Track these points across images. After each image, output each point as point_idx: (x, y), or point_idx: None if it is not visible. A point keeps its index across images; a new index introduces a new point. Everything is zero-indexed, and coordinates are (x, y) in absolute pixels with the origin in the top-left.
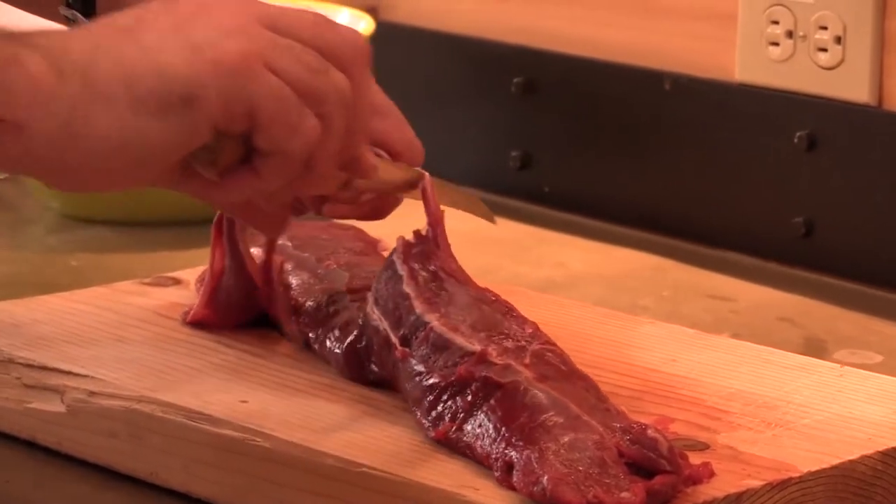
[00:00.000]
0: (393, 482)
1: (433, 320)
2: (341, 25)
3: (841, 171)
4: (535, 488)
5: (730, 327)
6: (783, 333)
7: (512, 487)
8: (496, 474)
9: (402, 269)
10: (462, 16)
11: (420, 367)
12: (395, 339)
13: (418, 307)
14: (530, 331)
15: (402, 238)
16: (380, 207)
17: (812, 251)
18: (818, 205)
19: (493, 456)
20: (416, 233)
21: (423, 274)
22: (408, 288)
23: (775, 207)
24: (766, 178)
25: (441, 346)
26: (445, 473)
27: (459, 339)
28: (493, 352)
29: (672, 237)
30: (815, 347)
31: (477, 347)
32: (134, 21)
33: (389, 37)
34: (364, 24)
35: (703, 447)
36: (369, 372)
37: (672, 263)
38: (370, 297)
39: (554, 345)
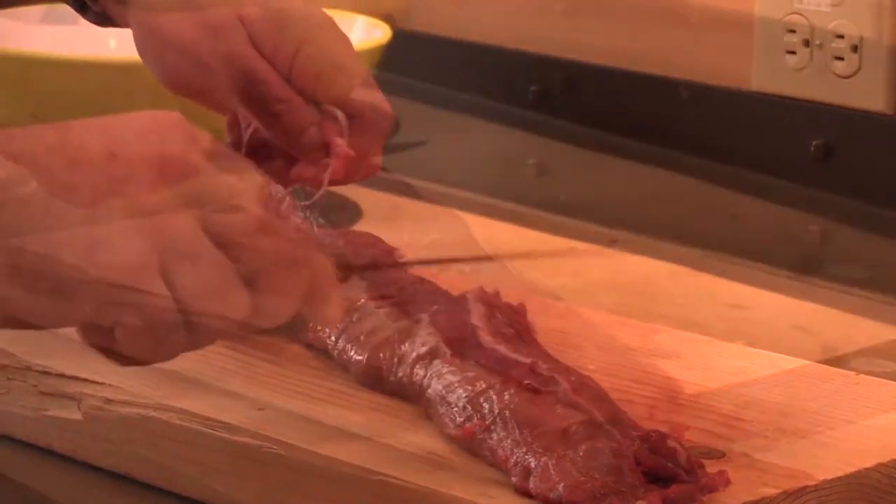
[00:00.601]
0: (409, 490)
1: (492, 344)
2: (291, 231)
3: (857, 180)
4: (552, 495)
5: (744, 335)
6: (798, 342)
7: (528, 493)
8: (513, 479)
9: (472, 306)
10: (478, 24)
11: (461, 373)
12: (446, 350)
13: (482, 337)
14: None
15: (481, 287)
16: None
17: (827, 260)
18: (833, 213)
19: (513, 461)
20: (496, 293)
21: (495, 318)
22: (476, 321)
23: (790, 215)
24: (782, 187)
25: (494, 357)
26: (461, 481)
27: (513, 355)
28: (543, 365)
29: (687, 245)
30: (829, 356)
31: (528, 360)
32: (68, 165)
33: (405, 45)
34: (380, 33)
35: (718, 455)
36: (387, 381)
37: (687, 271)
38: (424, 317)
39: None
